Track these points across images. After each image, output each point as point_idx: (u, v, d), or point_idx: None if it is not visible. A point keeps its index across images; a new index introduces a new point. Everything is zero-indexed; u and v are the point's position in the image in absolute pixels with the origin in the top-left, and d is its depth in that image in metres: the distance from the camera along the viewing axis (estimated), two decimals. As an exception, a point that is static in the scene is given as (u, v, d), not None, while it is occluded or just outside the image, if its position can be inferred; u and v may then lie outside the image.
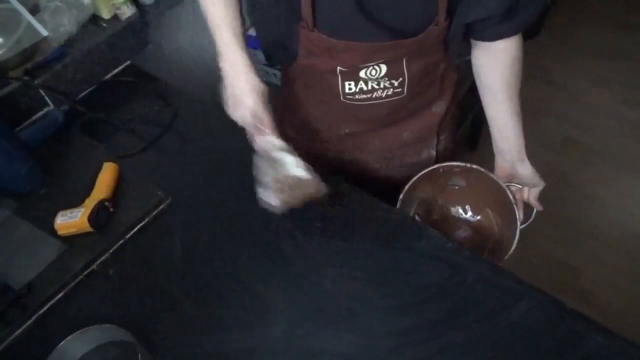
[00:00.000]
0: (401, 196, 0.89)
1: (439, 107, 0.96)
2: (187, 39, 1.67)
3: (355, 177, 0.93)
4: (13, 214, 0.85)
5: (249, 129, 0.79)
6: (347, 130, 0.95)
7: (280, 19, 0.79)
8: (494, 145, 0.90)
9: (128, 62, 1.14)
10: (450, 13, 0.73)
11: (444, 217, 1.00)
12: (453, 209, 1.00)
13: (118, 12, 1.10)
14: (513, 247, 0.87)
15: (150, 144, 0.97)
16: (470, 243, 0.98)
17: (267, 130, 0.77)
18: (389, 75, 0.81)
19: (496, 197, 0.91)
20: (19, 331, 0.72)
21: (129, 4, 1.10)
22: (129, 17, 1.11)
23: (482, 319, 0.70)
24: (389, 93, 0.84)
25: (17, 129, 0.97)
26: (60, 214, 0.81)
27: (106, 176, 0.87)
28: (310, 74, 0.86)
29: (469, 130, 1.97)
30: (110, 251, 0.81)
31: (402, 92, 0.85)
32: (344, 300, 0.73)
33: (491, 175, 0.90)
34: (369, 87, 0.83)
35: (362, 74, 0.80)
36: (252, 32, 1.77)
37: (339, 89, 0.83)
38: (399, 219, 0.83)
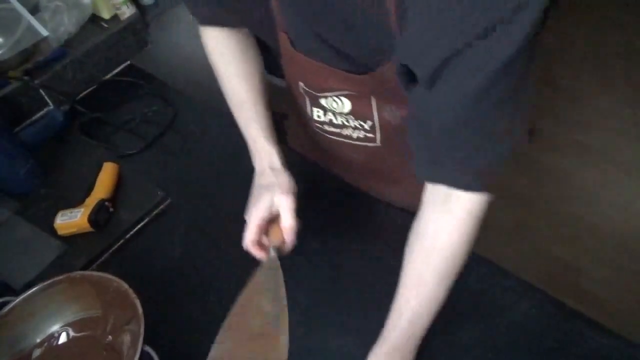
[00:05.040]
0: None
1: None
2: (187, 39, 1.67)
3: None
4: (13, 214, 0.85)
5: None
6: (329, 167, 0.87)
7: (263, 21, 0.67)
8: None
9: (128, 62, 1.14)
10: None
11: None
12: None
13: (118, 12, 1.10)
14: None
15: (150, 144, 0.97)
16: None
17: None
18: (355, 114, 0.70)
19: None
20: (19, 331, 0.72)
21: (129, 4, 1.10)
22: (129, 17, 1.11)
23: (482, 319, 0.70)
24: (361, 136, 0.73)
25: (17, 129, 0.97)
26: (60, 214, 0.81)
27: (106, 176, 0.87)
28: (291, 90, 0.76)
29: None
30: (110, 251, 0.81)
31: (374, 139, 0.73)
32: (344, 300, 0.73)
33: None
34: (339, 122, 0.73)
35: (323, 102, 0.70)
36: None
37: (307, 110, 0.75)
38: (400, 219, 0.83)
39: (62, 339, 0.68)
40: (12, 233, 0.83)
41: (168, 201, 0.87)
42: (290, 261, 0.79)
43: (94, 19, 1.10)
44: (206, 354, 0.70)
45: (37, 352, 0.67)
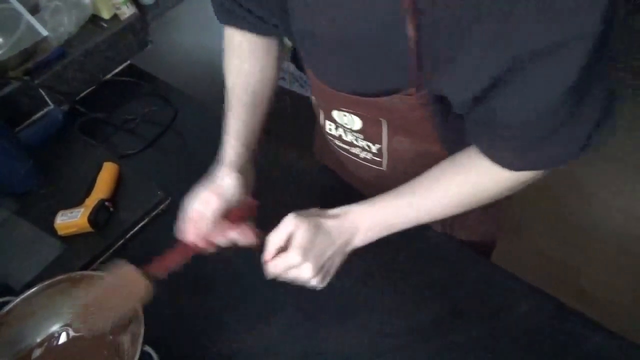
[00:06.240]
0: None
1: None
2: (187, 39, 1.67)
3: None
4: (13, 214, 0.85)
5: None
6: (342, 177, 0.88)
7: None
8: None
9: (128, 62, 1.14)
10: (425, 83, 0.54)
11: None
12: None
13: (118, 12, 1.10)
14: None
15: (150, 144, 0.97)
16: None
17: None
18: (364, 135, 0.69)
19: None
20: (19, 331, 0.72)
21: (129, 4, 1.10)
22: (129, 17, 1.11)
23: (482, 319, 0.70)
24: (367, 157, 0.74)
25: (17, 129, 0.97)
26: (60, 214, 0.81)
27: (106, 176, 0.87)
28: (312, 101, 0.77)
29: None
30: (110, 251, 0.81)
31: (380, 163, 0.73)
32: (344, 300, 0.73)
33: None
34: (349, 139, 0.73)
35: (334, 114, 0.69)
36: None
37: (321, 122, 0.76)
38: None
39: (62, 339, 0.68)
40: (12, 233, 0.83)
41: (168, 201, 0.87)
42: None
43: (94, 19, 1.10)
44: (206, 354, 0.70)
45: (37, 352, 0.67)
